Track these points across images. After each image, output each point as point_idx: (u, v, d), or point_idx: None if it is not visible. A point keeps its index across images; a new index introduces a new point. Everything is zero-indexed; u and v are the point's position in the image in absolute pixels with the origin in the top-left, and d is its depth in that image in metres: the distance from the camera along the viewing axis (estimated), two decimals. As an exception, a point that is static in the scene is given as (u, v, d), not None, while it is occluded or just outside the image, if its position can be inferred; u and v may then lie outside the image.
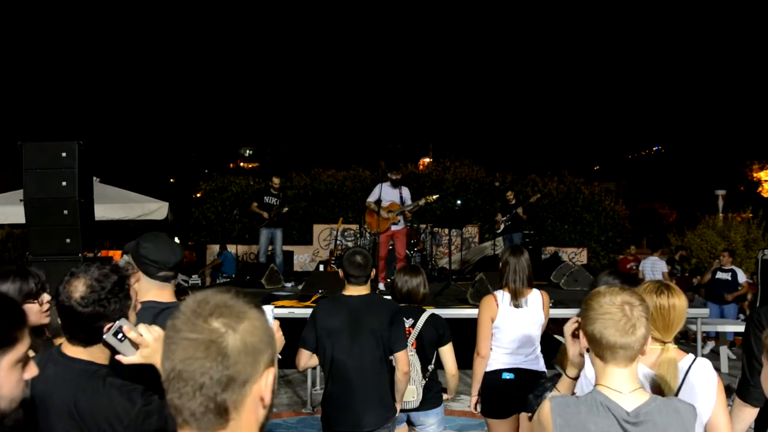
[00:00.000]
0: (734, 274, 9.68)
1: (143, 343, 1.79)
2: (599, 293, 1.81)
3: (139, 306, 2.00)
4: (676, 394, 2.12)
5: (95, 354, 1.81)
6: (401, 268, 3.92)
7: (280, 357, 2.57)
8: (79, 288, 1.77)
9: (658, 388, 2.17)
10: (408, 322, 3.63)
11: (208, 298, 1.06)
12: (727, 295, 9.49)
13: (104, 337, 1.78)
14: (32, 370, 1.36)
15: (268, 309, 2.61)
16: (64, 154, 5.30)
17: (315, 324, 3.26)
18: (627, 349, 1.73)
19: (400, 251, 8.35)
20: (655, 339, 2.18)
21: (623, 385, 1.74)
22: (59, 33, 34.10)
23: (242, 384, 1.02)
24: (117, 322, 1.80)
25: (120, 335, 1.79)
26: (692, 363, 2.18)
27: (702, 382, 2.13)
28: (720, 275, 9.78)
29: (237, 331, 1.02)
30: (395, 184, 8.24)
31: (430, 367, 3.67)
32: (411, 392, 3.55)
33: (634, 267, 11.92)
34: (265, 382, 1.06)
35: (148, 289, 2.28)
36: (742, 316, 9.72)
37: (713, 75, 38.92)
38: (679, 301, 2.22)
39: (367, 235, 11.62)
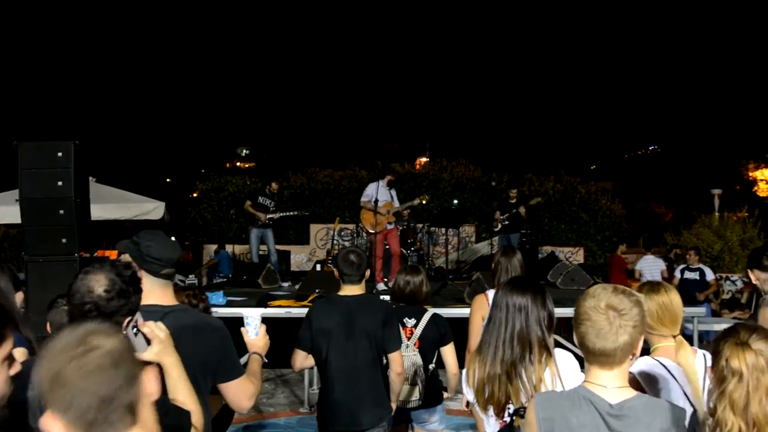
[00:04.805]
0: (702, 273, 9.41)
1: (155, 339, 1.80)
2: (588, 294, 1.79)
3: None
4: (704, 383, 2.16)
5: None
6: (402, 268, 3.94)
7: (265, 360, 2.58)
8: (101, 282, 1.78)
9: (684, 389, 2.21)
10: (410, 322, 3.65)
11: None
12: (698, 295, 9.16)
13: (125, 331, 1.77)
14: (16, 366, 1.36)
15: (257, 313, 2.62)
16: (60, 154, 5.28)
17: (310, 324, 3.28)
18: (606, 356, 1.71)
19: (396, 248, 8.36)
20: (664, 336, 2.30)
21: (608, 382, 1.74)
22: (55, 33, 34.03)
23: None
24: (135, 315, 1.81)
25: (135, 329, 1.79)
26: (705, 356, 2.26)
27: None
28: (688, 275, 9.49)
29: None
30: (391, 185, 8.29)
31: (431, 366, 3.69)
32: (414, 391, 3.57)
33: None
34: None
35: (151, 290, 2.19)
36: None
37: (709, 75, 39.03)
38: (675, 295, 2.35)
39: (364, 234, 11.63)
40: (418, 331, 3.63)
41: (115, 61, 36.32)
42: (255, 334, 2.55)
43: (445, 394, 3.84)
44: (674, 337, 2.31)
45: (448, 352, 3.70)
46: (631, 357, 1.75)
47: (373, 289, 7.72)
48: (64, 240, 5.25)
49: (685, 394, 2.18)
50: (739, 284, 12.57)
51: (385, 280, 8.34)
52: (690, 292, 9.17)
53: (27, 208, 5.28)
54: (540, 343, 2.29)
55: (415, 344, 3.62)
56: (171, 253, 2.27)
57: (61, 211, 5.24)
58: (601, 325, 1.70)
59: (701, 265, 9.61)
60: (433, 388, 3.69)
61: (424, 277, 3.79)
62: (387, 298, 4.53)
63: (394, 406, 3.38)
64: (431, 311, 3.76)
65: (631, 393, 1.74)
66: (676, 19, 41.72)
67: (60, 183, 5.25)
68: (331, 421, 3.24)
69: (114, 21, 37.95)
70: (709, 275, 9.44)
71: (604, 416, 1.70)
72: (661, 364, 2.24)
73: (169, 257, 2.27)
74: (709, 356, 2.28)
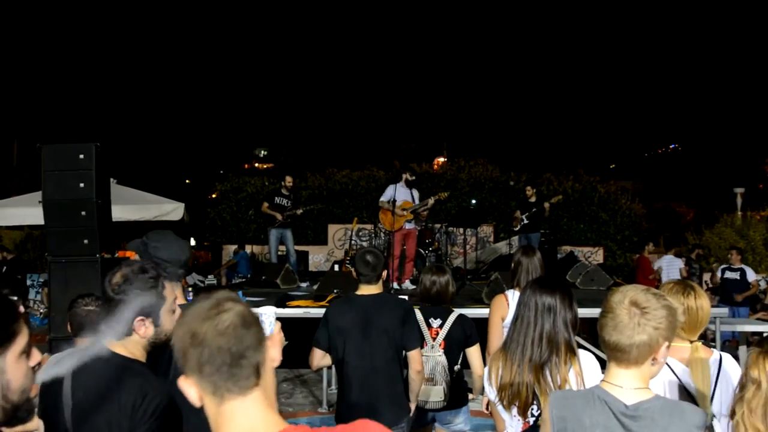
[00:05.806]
0: (743, 273, 9.21)
1: None
2: (618, 290, 1.78)
3: (178, 311, 2.00)
4: (715, 386, 2.17)
5: (131, 349, 1.86)
6: (427, 267, 3.93)
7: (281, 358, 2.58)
8: (116, 277, 1.85)
9: (687, 389, 2.19)
10: (436, 323, 3.65)
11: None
12: (736, 296, 8.98)
13: None
14: (36, 357, 1.39)
15: (270, 310, 2.62)
16: (81, 156, 5.33)
17: (327, 323, 3.28)
18: (621, 351, 1.69)
19: (411, 251, 8.34)
20: (680, 338, 2.24)
21: (625, 382, 1.72)
22: (76, 36, 34.49)
23: None
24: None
25: None
26: (721, 356, 2.26)
27: (735, 371, 2.21)
28: (729, 275, 9.30)
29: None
30: (410, 185, 8.26)
31: (456, 368, 3.68)
32: (438, 392, 3.57)
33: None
34: None
35: None
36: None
37: (731, 72, 38.50)
38: (705, 302, 2.30)
39: (382, 235, 11.63)
40: (443, 332, 3.62)
41: (135, 64, 36.73)
42: (270, 331, 2.56)
43: (470, 396, 3.83)
44: (691, 341, 2.26)
45: (474, 353, 3.68)
46: (652, 362, 1.71)
47: (390, 288, 7.72)
48: (86, 241, 5.30)
49: (689, 394, 2.16)
50: (763, 285, 12.37)
51: (403, 280, 8.33)
52: (729, 293, 9.05)
53: (49, 209, 5.34)
54: (566, 344, 2.30)
55: (440, 345, 3.61)
56: (179, 254, 2.30)
57: (83, 213, 5.29)
58: (621, 318, 1.69)
59: (743, 266, 9.34)
60: (458, 390, 3.68)
61: (450, 277, 3.78)
62: (406, 298, 4.52)
63: (413, 406, 3.36)
64: (457, 312, 3.75)
65: (649, 394, 1.71)
66: (697, 17, 41.19)
67: (82, 185, 5.30)
68: (349, 421, 3.23)
69: (134, 25, 38.37)
70: (751, 276, 9.18)
71: (618, 417, 1.68)
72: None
73: (177, 258, 2.30)
74: (725, 357, 2.27)
